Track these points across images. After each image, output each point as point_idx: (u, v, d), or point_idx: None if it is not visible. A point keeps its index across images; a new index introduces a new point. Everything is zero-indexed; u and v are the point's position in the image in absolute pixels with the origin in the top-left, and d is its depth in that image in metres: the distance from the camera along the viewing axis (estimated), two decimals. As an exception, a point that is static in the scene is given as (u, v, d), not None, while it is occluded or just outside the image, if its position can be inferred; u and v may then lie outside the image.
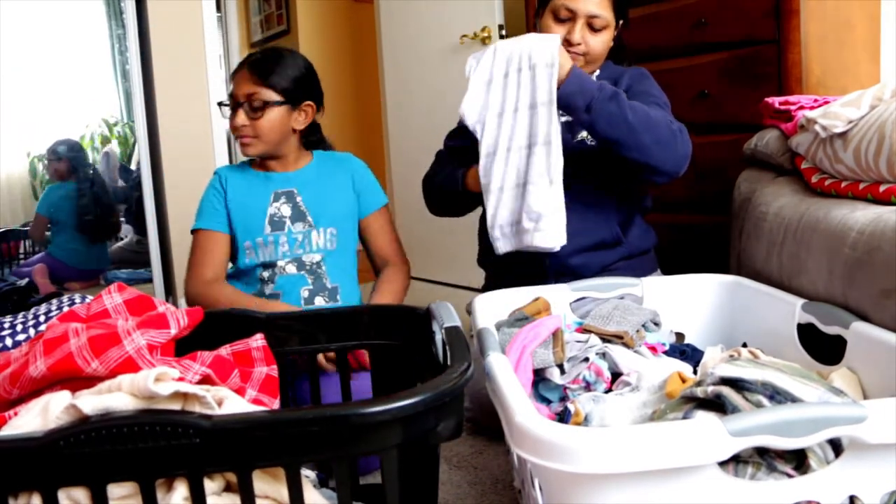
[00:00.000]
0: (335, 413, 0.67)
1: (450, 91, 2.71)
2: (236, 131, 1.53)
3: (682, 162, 1.44)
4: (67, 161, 3.29)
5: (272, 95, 1.50)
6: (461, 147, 1.65)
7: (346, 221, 1.60)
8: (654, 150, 1.38)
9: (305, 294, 1.53)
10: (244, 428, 0.66)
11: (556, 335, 1.15)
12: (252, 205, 1.55)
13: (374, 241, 1.65)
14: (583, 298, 1.38)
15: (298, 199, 1.56)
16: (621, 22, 1.60)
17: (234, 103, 1.52)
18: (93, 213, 3.40)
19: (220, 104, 1.56)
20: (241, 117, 1.50)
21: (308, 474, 0.93)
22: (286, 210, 1.55)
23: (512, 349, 1.11)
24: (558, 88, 1.37)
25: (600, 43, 1.55)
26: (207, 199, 1.58)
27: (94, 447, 0.64)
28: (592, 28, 1.52)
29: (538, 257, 1.50)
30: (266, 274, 1.54)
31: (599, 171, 1.53)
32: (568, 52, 1.52)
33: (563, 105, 1.39)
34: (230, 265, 1.61)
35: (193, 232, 1.58)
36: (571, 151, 1.51)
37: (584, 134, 1.56)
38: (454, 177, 1.58)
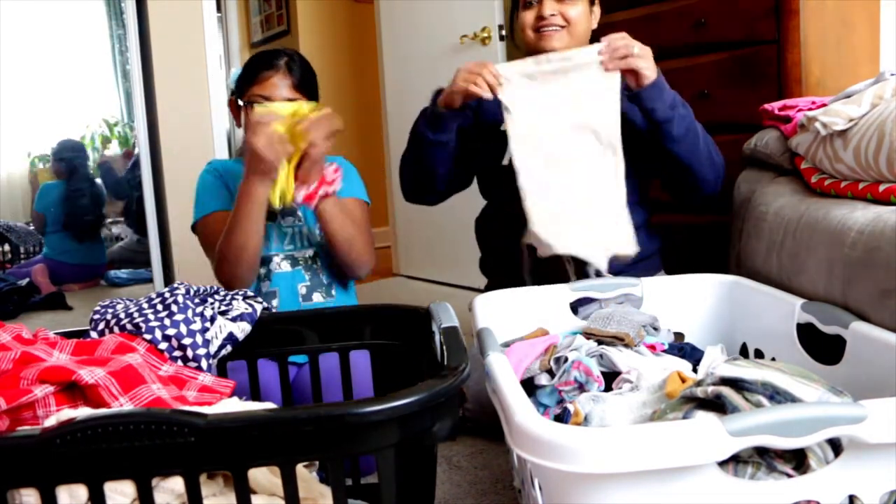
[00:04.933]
0: (330, 413, 0.67)
1: (450, 91, 2.71)
2: None
3: (721, 181, 1.50)
4: (65, 161, 3.30)
5: None
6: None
7: None
8: (707, 164, 1.45)
9: (303, 291, 1.50)
10: (239, 427, 0.66)
11: (549, 351, 1.15)
12: None
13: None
14: (583, 299, 1.37)
15: None
16: (595, 3, 1.56)
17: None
18: (91, 214, 3.41)
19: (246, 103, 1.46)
20: None
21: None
22: None
23: (508, 357, 1.11)
24: (642, 87, 1.37)
25: (577, 12, 1.49)
26: (206, 185, 1.55)
27: (89, 445, 0.64)
28: None
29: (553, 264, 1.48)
30: (262, 271, 1.51)
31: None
32: (545, 28, 1.49)
33: (647, 98, 1.38)
34: None
35: (199, 222, 1.52)
36: None
37: None
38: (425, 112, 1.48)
